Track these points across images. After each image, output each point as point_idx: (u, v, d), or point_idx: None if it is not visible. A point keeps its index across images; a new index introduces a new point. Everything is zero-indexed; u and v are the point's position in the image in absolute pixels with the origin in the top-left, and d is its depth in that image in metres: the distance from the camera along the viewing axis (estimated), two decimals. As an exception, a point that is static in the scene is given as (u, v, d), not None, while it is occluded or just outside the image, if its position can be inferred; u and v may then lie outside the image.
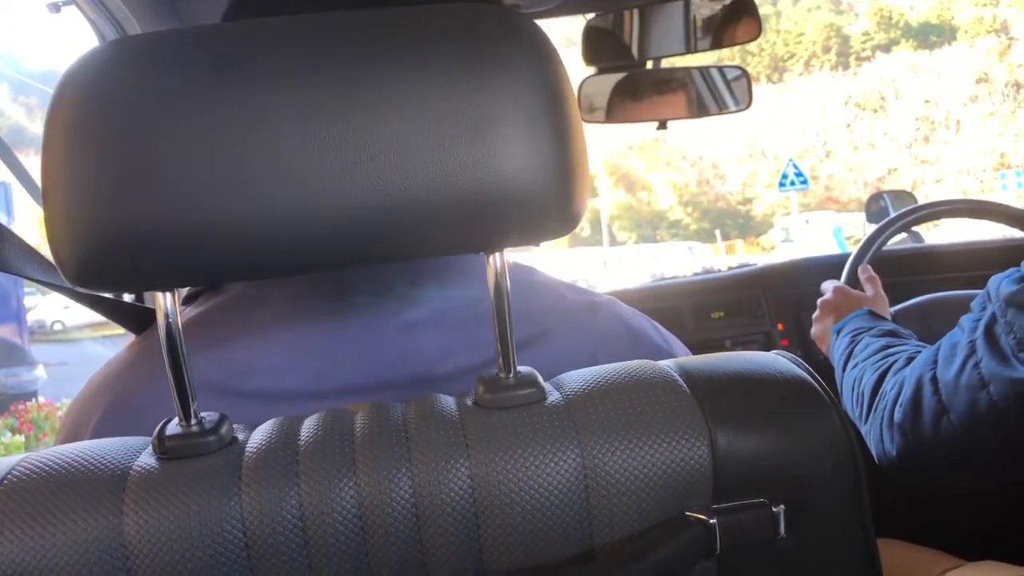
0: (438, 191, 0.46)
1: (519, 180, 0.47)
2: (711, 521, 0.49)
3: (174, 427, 0.49)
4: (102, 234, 0.45)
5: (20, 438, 6.28)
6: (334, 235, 0.47)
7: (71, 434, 0.63)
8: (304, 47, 0.46)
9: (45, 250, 0.63)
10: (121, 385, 0.63)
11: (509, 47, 0.48)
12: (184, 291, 0.74)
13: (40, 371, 8.82)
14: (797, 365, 0.55)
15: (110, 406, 0.62)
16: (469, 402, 0.52)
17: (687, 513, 0.49)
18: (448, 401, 0.52)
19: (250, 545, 0.46)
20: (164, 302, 0.49)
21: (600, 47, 1.49)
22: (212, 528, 0.46)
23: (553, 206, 0.49)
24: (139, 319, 0.73)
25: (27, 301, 10.17)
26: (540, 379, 0.52)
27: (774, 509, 0.49)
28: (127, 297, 1.17)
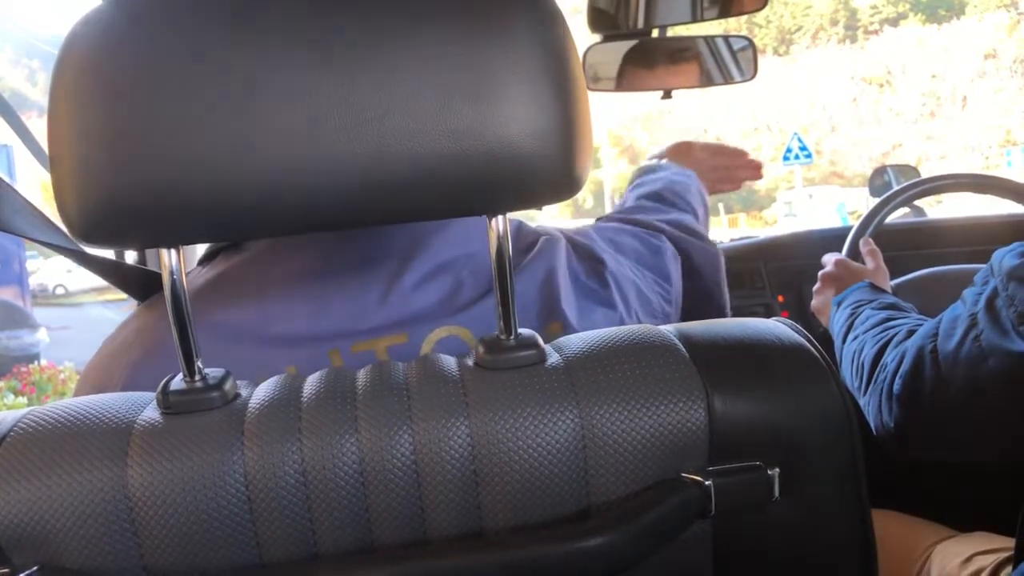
0: (441, 152, 0.46)
1: (522, 142, 0.47)
2: (706, 483, 0.49)
3: (178, 383, 0.50)
4: (108, 191, 0.45)
5: (23, 400, 6.32)
6: (337, 195, 0.47)
7: (94, 391, 0.64)
8: (311, 6, 0.46)
9: (48, 212, 0.63)
10: (142, 346, 0.64)
11: (515, 10, 0.48)
12: (194, 250, 0.76)
13: (42, 334, 8.84)
14: (796, 332, 0.56)
15: (133, 365, 0.63)
16: (470, 362, 0.53)
17: (683, 475, 0.50)
18: (449, 361, 0.53)
19: (252, 499, 0.47)
20: (169, 259, 0.49)
21: (606, 15, 1.48)
22: (215, 482, 0.47)
23: (555, 169, 0.49)
24: (143, 285, 0.74)
25: (29, 265, 10.18)
26: (540, 341, 0.53)
27: (769, 472, 0.50)
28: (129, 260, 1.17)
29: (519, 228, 0.76)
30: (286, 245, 0.68)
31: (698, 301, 0.92)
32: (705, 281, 0.94)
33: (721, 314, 0.95)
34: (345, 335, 0.63)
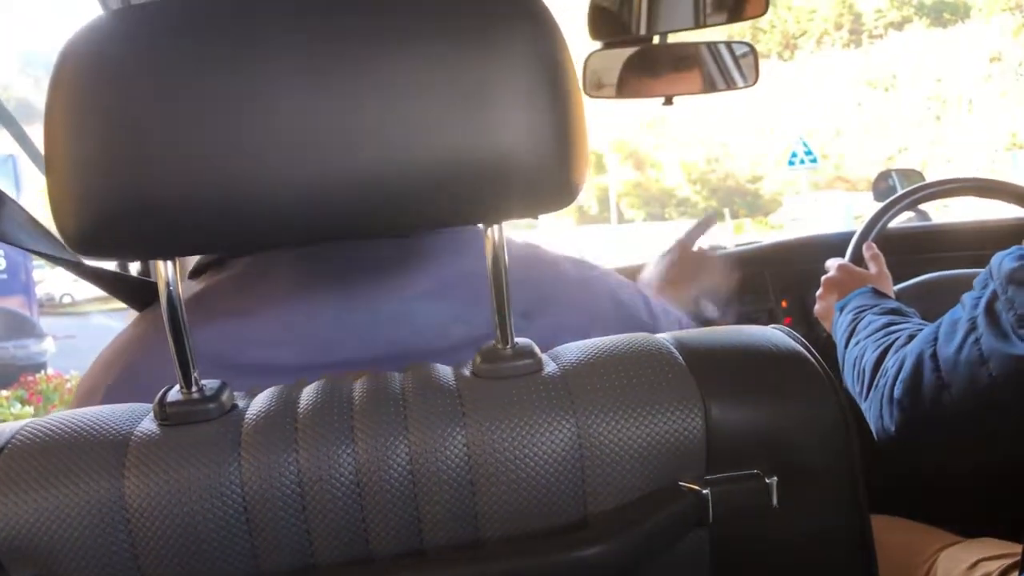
0: (438, 162, 0.46)
1: (518, 152, 0.47)
2: (704, 491, 0.49)
3: (175, 394, 0.50)
4: (104, 202, 0.45)
5: (29, 409, 6.33)
6: (335, 206, 0.47)
7: (82, 405, 0.64)
8: (310, 17, 0.46)
9: (51, 224, 0.63)
10: (130, 356, 0.64)
11: (511, 20, 0.48)
12: (189, 263, 0.75)
13: (49, 343, 8.88)
14: (793, 339, 0.56)
15: (120, 376, 0.63)
16: (466, 372, 0.53)
17: (680, 483, 0.50)
18: (446, 371, 0.53)
19: (249, 510, 0.47)
20: (165, 271, 0.49)
21: (607, 21, 1.48)
22: (212, 493, 0.47)
23: (552, 178, 0.49)
24: (142, 295, 0.74)
25: (36, 274, 10.23)
26: (537, 350, 0.53)
27: (767, 480, 0.50)
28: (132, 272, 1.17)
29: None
30: (266, 264, 0.66)
31: None
32: None
33: None
34: (320, 367, 0.61)
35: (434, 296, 0.65)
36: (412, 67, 0.46)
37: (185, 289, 0.68)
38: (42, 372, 7.43)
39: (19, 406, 6.38)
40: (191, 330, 0.60)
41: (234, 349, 0.62)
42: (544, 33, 0.49)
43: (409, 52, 0.46)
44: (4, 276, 9.14)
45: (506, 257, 0.52)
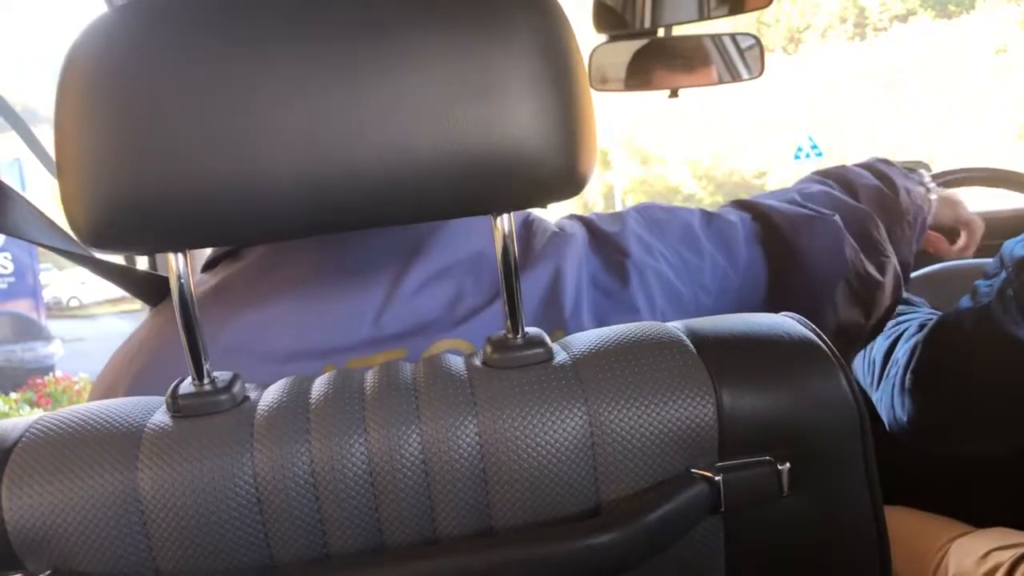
0: (445, 152, 0.46)
1: (525, 141, 0.47)
2: (716, 478, 0.49)
3: (187, 386, 0.50)
4: (114, 196, 0.45)
5: (39, 412, 6.36)
6: (342, 197, 0.47)
7: (104, 398, 0.64)
8: (313, 8, 0.46)
9: (60, 221, 0.64)
10: (147, 352, 0.64)
11: (517, 9, 0.48)
12: (201, 254, 0.76)
13: (57, 346, 8.92)
14: (804, 326, 0.55)
15: (139, 373, 0.63)
16: (477, 362, 0.53)
17: (693, 470, 0.50)
18: (456, 360, 0.53)
19: (262, 501, 0.47)
20: (176, 263, 0.49)
21: (611, 14, 1.48)
22: (225, 484, 0.47)
23: (559, 167, 0.49)
24: (154, 290, 0.75)
25: (43, 277, 10.26)
26: (547, 339, 0.53)
27: (779, 467, 0.50)
28: (141, 266, 1.18)
29: (530, 223, 0.71)
30: (282, 252, 0.67)
31: (802, 307, 0.64)
32: (811, 280, 0.76)
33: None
34: (341, 350, 0.62)
35: (443, 275, 0.65)
36: (417, 56, 0.46)
37: (201, 282, 0.69)
38: (51, 375, 7.46)
39: (28, 408, 6.41)
40: (213, 322, 0.60)
41: (257, 337, 0.62)
42: (551, 22, 0.49)
43: (413, 40, 0.46)
44: (12, 279, 9.18)
45: (515, 246, 0.52)
